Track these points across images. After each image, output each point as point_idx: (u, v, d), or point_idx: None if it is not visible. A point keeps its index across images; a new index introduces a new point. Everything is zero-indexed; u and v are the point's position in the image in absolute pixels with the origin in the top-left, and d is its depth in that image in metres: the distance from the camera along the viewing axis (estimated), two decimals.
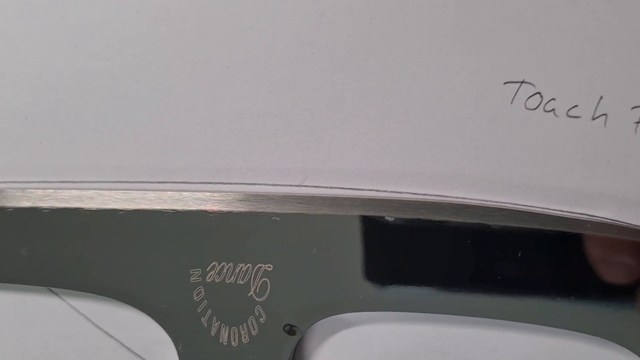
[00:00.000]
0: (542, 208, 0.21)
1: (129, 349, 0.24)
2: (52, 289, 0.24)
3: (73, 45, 0.23)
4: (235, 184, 0.22)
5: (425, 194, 0.21)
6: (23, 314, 0.24)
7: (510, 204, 0.21)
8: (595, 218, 0.20)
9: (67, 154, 0.23)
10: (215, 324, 0.22)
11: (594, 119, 0.20)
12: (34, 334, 0.24)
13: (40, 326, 0.24)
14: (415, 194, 0.21)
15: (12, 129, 0.24)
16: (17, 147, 0.24)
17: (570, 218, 0.21)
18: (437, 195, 0.21)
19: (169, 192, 0.22)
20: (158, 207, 0.22)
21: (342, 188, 0.22)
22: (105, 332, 0.24)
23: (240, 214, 0.22)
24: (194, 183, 0.23)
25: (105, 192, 0.23)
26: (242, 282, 0.22)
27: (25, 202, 0.23)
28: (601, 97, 0.20)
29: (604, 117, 0.20)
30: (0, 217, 0.23)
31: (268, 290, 0.22)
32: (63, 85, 0.23)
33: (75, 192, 0.23)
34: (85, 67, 0.23)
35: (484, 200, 0.21)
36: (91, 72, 0.23)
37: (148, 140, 0.23)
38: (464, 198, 0.21)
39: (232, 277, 0.22)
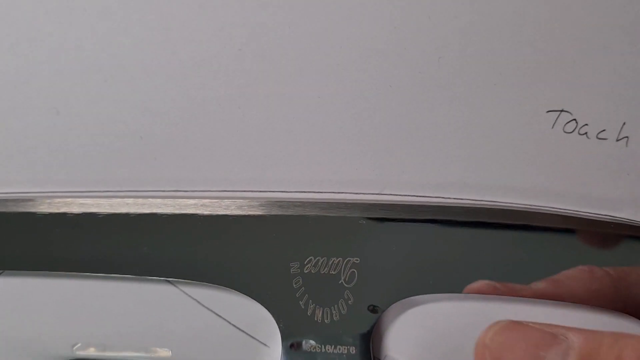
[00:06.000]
0: (575, 211, 0.26)
1: (235, 326, 0.29)
2: (169, 279, 0.29)
3: (184, 77, 0.27)
4: (326, 192, 0.27)
5: (482, 201, 0.27)
6: (143, 300, 0.29)
7: (550, 207, 0.26)
8: (617, 219, 0.26)
9: (180, 168, 0.28)
10: (311, 306, 0.27)
11: (617, 140, 0.26)
12: (152, 317, 0.29)
13: (158, 310, 0.29)
14: (474, 200, 0.27)
15: (129, 146, 0.28)
16: (134, 162, 0.28)
17: (596, 220, 0.26)
18: (492, 202, 0.27)
19: (272, 200, 0.27)
20: (263, 212, 0.27)
21: (414, 196, 0.27)
22: (215, 313, 0.29)
23: (332, 218, 0.27)
24: (293, 192, 0.27)
25: (216, 201, 0.27)
26: (334, 272, 0.27)
27: (145, 209, 0.28)
28: (624, 123, 0.25)
29: (625, 139, 0.26)
30: (124, 221, 0.28)
31: (356, 278, 0.27)
32: (175, 110, 0.27)
33: (191, 201, 0.27)
34: (195, 95, 0.27)
35: (529, 206, 0.26)
36: (199, 100, 0.27)
37: (251, 156, 0.27)
38: (512, 204, 0.26)
39: (326, 268, 0.27)
